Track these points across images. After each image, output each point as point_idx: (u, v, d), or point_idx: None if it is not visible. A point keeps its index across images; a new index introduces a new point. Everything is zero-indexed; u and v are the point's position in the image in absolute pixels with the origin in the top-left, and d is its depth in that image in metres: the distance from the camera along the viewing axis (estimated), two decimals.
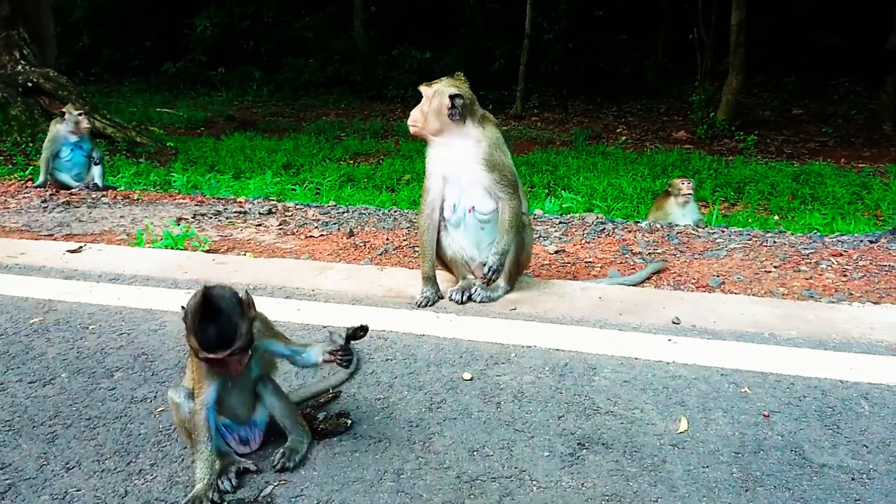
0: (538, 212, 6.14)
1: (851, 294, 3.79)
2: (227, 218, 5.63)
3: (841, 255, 4.36)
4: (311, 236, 5.09)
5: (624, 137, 14.42)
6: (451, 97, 3.41)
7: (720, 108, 14.12)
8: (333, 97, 17.62)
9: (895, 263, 4.18)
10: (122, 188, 7.97)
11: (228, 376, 2.16)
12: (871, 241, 4.64)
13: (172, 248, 4.67)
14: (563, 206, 6.64)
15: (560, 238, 5.05)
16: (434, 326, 3.29)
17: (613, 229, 5.23)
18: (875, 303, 3.63)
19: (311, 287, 3.84)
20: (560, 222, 5.48)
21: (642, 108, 16.74)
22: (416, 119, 3.52)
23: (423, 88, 3.53)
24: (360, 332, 2.26)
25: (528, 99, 16.96)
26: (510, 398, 2.67)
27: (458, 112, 3.43)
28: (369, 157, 12.28)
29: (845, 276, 4.03)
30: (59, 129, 6.88)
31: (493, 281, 3.55)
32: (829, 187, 10.16)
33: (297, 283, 3.90)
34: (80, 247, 4.58)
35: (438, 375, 2.84)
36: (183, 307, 2.10)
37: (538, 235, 5.04)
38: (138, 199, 6.48)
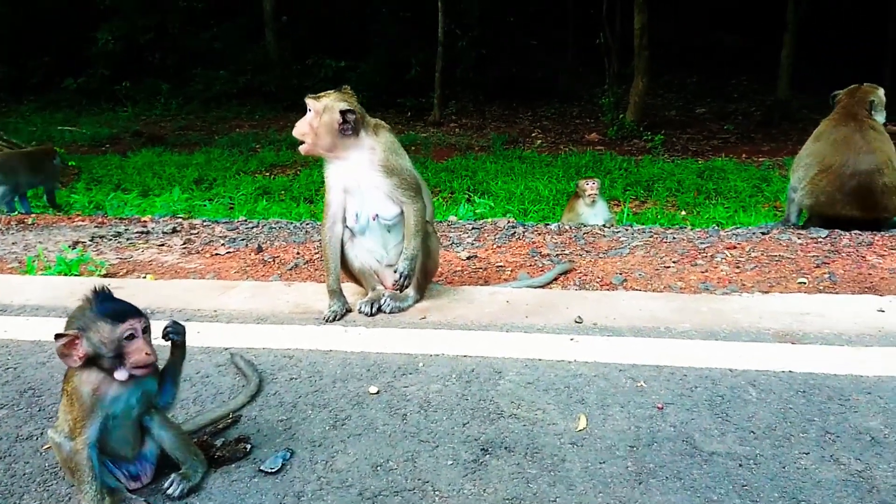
0: (452, 218, 6.18)
1: (744, 285, 3.98)
2: (127, 239, 5.39)
3: (735, 247, 4.58)
4: (216, 254, 4.94)
5: (539, 141, 14.75)
6: (343, 112, 3.37)
7: (628, 109, 14.67)
8: (247, 108, 17.23)
9: (784, 253, 4.43)
10: (18, 213, 7.53)
11: (142, 374, 2.07)
12: (763, 233, 4.90)
13: (66, 275, 4.42)
14: (477, 211, 6.71)
15: (472, 244, 5.09)
16: (342, 341, 3.24)
17: (524, 232, 5.31)
18: (765, 292, 3.83)
19: (213, 308, 3.71)
20: (473, 228, 5.53)
21: (556, 111, 17.19)
22: (305, 133, 3.44)
23: (309, 101, 3.46)
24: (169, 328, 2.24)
25: (446, 105, 17.12)
26: (416, 409, 2.66)
27: (351, 127, 3.39)
28: (286, 169, 12.09)
29: (738, 267, 4.24)
30: None
31: (405, 287, 3.53)
32: (731, 182, 10.70)
33: (199, 304, 3.76)
34: None
35: (344, 391, 2.80)
36: (73, 321, 2.08)
37: (451, 242, 5.07)
38: (33, 224, 6.12)
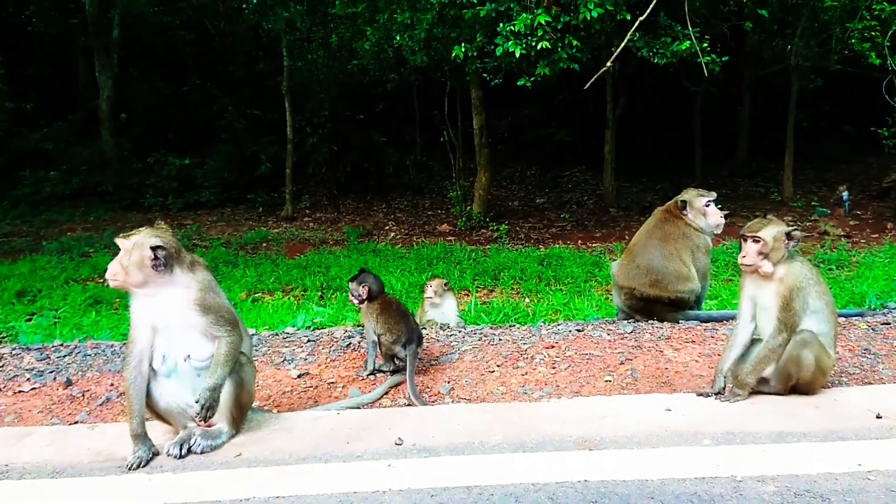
0: (290, 329, 6.08)
1: (558, 386, 4.23)
2: None
3: (552, 347, 4.87)
4: (20, 391, 4.51)
5: (393, 234, 15.05)
6: (153, 248, 3.33)
7: (475, 201, 15.42)
8: (81, 210, 16.18)
9: (594, 351, 4.77)
10: None
11: None
12: (578, 330, 5.26)
13: None
14: (315, 320, 6.68)
15: (305, 359, 5.02)
16: (144, 492, 3.04)
17: (360, 342, 5.33)
18: (576, 392, 4.09)
19: (4, 461, 3.37)
20: (308, 340, 5.47)
21: (409, 203, 17.69)
22: (116, 273, 3.37)
23: (119, 241, 3.41)
24: None
25: (299, 200, 17.10)
26: None
27: (163, 263, 3.34)
28: None
29: (554, 367, 4.51)
30: None
31: (208, 419, 3.41)
32: (568, 268, 11.42)
33: None
34: None
35: None
36: None
37: (283, 359, 4.99)
38: None
